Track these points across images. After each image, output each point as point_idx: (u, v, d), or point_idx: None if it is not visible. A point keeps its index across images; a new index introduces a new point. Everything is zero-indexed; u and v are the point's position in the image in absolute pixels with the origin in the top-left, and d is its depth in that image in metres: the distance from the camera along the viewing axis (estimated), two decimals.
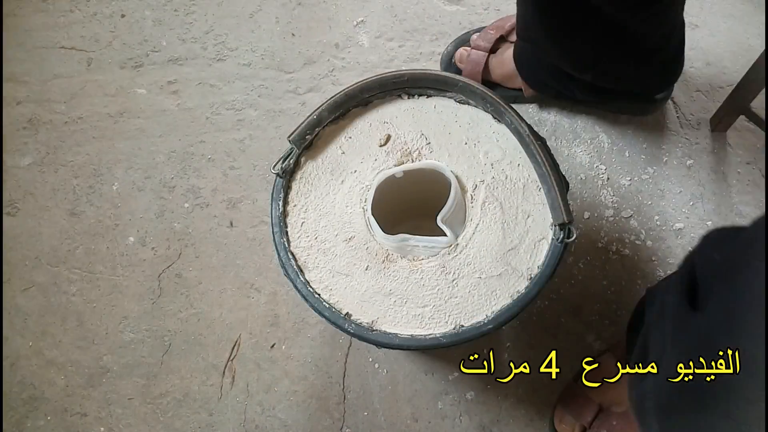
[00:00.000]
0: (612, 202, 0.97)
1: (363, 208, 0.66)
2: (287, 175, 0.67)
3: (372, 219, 0.64)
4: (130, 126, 1.10)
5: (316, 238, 0.65)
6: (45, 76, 1.15)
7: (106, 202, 1.03)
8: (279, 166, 0.66)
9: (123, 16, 1.20)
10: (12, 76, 1.16)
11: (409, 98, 0.70)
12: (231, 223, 1.00)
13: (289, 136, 0.65)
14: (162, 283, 0.97)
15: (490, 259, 0.63)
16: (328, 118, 0.68)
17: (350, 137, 0.69)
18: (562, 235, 0.61)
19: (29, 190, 1.05)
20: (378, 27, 1.14)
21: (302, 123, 0.66)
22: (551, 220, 0.63)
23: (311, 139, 0.68)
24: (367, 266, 0.64)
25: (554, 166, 0.63)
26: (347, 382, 0.89)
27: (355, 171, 0.68)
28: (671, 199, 0.96)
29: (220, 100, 1.10)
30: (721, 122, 0.98)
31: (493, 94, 0.66)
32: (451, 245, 0.64)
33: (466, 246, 0.64)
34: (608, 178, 0.98)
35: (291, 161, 0.67)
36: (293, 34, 1.15)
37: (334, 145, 0.69)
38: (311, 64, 1.12)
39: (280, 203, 0.66)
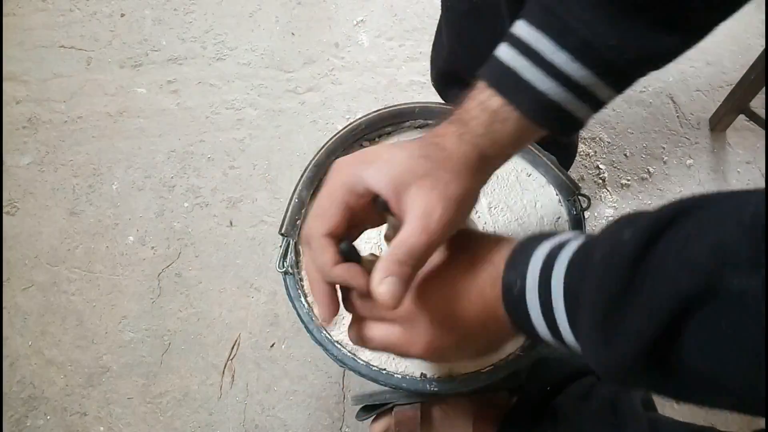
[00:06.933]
0: (612, 202, 0.97)
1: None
2: (296, 268, 0.61)
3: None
4: (129, 125, 1.10)
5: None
6: (44, 76, 1.15)
7: (105, 202, 1.03)
8: (282, 263, 0.61)
9: (122, 15, 1.20)
10: (12, 76, 1.16)
11: (370, 143, 0.67)
12: (231, 223, 1.00)
13: (280, 230, 0.61)
14: (162, 283, 0.97)
15: None
16: (308, 195, 0.64)
17: None
18: (579, 206, 0.62)
19: (29, 189, 1.05)
20: (378, 26, 1.14)
21: (287, 211, 0.63)
22: (557, 197, 0.64)
23: (301, 221, 0.63)
24: None
25: (539, 146, 0.64)
26: (347, 382, 0.89)
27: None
28: (671, 199, 0.96)
29: (219, 100, 1.10)
30: (720, 122, 0.98)
31: (449, 105, 0.65)
32: None
33: None
34: (608, 178, 0.98)
35: (292, 254, 0.62)
36: (293, 34, 1.15)
37: None
38: (311, 64, 1.12)
39: (303, 300, 0.60)
